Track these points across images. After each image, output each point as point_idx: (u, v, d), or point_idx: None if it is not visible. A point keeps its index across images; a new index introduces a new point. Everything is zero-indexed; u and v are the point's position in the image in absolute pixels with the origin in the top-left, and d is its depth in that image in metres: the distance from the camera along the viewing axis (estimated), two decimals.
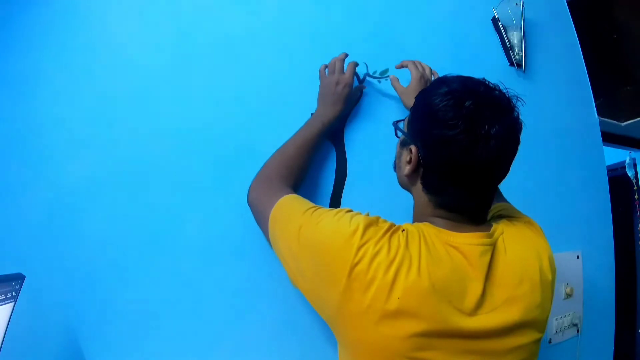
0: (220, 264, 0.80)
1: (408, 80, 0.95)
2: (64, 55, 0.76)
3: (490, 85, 0.58)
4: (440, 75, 0.76)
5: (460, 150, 0.54)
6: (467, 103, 0.54)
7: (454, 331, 0.52)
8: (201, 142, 0.83)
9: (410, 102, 0.94)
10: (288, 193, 0.68)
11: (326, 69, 0.91)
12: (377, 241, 0.53)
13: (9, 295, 0.54)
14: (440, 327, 0.51)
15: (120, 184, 0.76)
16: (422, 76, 0.94)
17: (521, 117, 0.58)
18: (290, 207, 0.65)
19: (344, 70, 0.89)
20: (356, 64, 0.92)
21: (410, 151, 0.61)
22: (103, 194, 0.75)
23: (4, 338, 0.54)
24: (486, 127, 0.53)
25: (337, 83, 0.86)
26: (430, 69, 0.98)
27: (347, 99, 0.88)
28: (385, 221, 0.58)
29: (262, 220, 0.70)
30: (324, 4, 0.99)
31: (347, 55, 0.91)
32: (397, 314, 0.50)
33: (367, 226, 0.55)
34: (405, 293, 0.50)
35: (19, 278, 0.56)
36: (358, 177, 0.95)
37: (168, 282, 0.76)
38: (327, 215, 0.59)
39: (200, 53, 0.85)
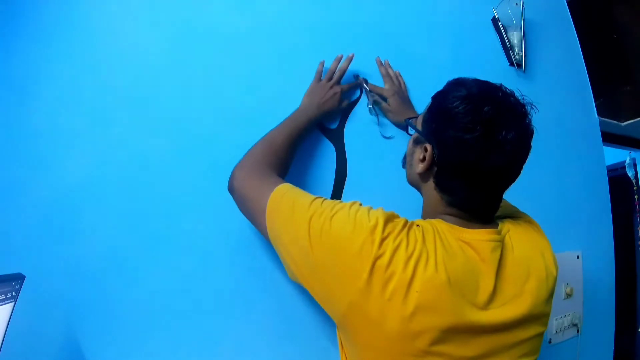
0: (220, 263, 0.80)
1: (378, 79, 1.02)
2: (63, 55, 0.76)
3: (507, 91, 0.59)
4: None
5: (476, 153, 0.55)
6: (486, 108, 0.55)
7: (468, 325, 0.54)
8: (200, 142, 0.83)
9: (396, 118, 0.98)
10: (282, 182, 0.67)
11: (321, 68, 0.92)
12: (396, 236, 0.54)
13: (9, 295, 0.54)
14: (455, 320, 0.53)
15: (120, 184, 0.76)
16: (397, 92, 0.98)
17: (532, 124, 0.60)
18: (291, 196, 0.62)
19: (342, 83, 0.93)
20: (359, 83, 0.97)
21: (425, 149, 0.62)
22: (103, 194, 0.75)
23: (4, 338, 0.54)
24: (503, 132, 0.55)
25: (332, 89, 0.89)
26: (405, 84, 1.04)
27: (334, 107, 0.90)
28: (399, 216, 0.59)
29: (253, 209, 0.67)
30: (323, 3, 0.99)
31: (351, 60, 0.93)
32: (416, 308, 0.51)
33: (387, 221, 0.55)
34: (423, 287, 0.51)
35: (19, 278, 0.56)
36: (358, 177, 0.95)
37: (168, 282, 0.76)
38: (341, 208, 0.58)
39: (200, 53, 0.85)
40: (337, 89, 0.90)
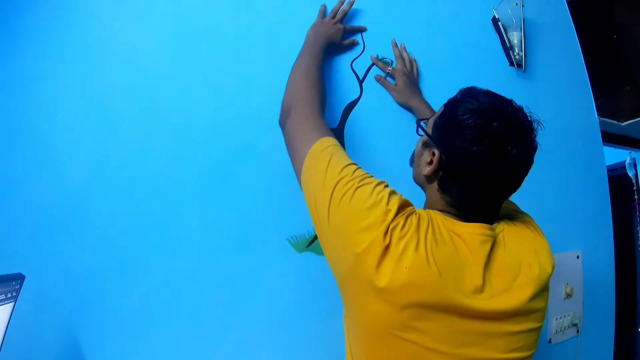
0: (219, 263, 0.81)
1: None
2: (64, 56, 0.76)
3: (517, 106, 0.62)
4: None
5: (482, 165, 0.59)
6: (495, 124, 0.58)
7: (454, 306, 0.55)
8: (201, 142, 0.83)
9: (400, 98, 1.01)
10: (326, 133, 0.70)
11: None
12: (397, 218, 0.58)
13: (9, 295, 0.54)
14: (441, 300, 0.55)
15: (120, 184, 0.76)
16: (405, 74, 1.02)
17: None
18: (328, 154, 0.65)
19: (343, 23, 0.97)
20: (362, 29, 1.02)
21: (433, 154, 0.64)
22: (103, 194, 0.75)
23: (4, 338, 0.54)
24: (509, 147, 0.58)
25: (335, 25, 0.95)
26: (417, 68, 1.07)
27: (337, 40, 0.96)
28: (411, 204, 0.62)
29: (295, 154, 0.71)
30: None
31: (352, 4, 0.99)
32: (404, 284, 0.54)
33: (399, 208, 0.59)
34: (412, 266, 0.54)
35: (19, 278, 0.56)
36: None
37: (168, 282, 0.76)
38: (369, 183, 0.61)
39: (201, 53, 0.86)
40: (340, 25, 0.96)
